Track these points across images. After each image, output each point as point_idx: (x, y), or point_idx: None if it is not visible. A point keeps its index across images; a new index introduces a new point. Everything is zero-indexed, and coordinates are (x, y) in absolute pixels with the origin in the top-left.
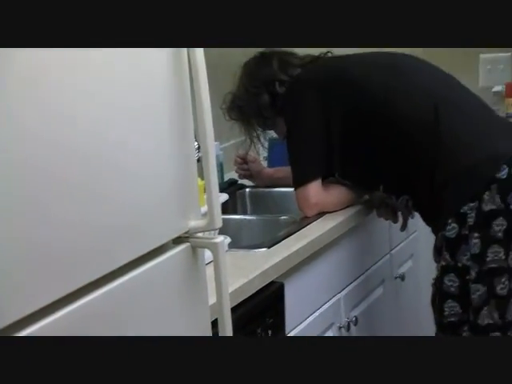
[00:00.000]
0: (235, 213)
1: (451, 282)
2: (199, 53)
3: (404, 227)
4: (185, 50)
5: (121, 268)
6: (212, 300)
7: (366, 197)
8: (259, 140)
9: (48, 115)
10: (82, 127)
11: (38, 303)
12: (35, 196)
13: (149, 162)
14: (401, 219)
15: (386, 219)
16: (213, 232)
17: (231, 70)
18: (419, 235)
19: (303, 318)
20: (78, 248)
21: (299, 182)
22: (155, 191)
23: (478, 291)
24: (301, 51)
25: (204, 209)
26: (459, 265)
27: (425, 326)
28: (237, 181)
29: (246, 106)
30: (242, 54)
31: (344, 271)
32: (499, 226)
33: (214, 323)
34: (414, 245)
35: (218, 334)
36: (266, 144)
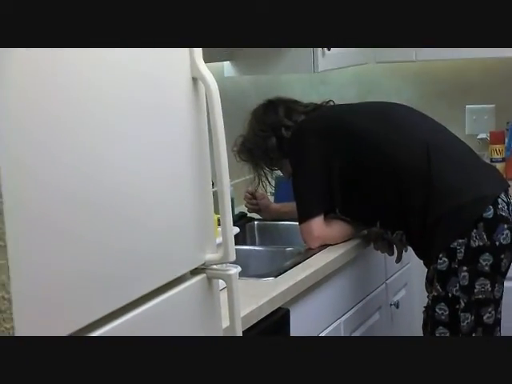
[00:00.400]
0: (244, 243)
1: (442, 311)
2: (214, 89)
3: (399, 259)
4: (202, 86)
5: (142, 297)
6: (225, 323)
7: (365, 232)
8: (266, 178)
9: (81, 150)
10: (111, 162)
11: (61, 332)
12: (65, 228)
13: (169, 198)
14: (396, 252)
15: (383, 252)
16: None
17: (242, 116)
18: (412, 266)
19: None
20: (100, 279)
21: (303, 217)
22: (176, 226)
23: (466, 319)
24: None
25: (218, 239)
26: (449, 295)
27: None
28: (246, 214)
29: (254, 148)
30: (252, 102)
31: (344, 298)
32: (486, 260)
33: None
34: (407, 275)
35: None
36: (273, 182)
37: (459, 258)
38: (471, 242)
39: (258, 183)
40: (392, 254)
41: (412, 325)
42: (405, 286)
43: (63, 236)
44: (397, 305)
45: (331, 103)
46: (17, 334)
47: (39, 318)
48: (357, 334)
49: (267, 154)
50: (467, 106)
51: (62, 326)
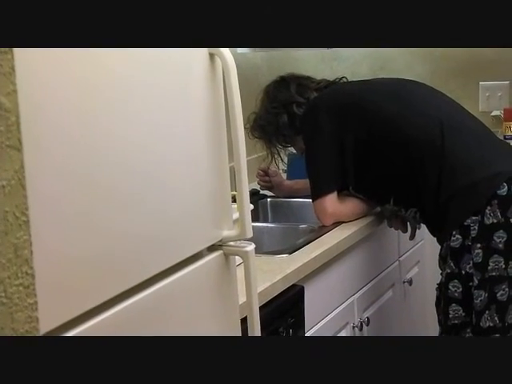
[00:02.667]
0: (257, 220)
1: (455, 288)
2: (232, 68)
3: (412, 236)
4: (220, 64)
5: (161, 273)
6: (241, 300)
7: (378, 209)
8: (279, 155)
9: (99, 131)
10: (128, 141)
11: (83, 306)
12: (86, 206)
13: (187, 175)
14: (409, 229)
15: (396, 229)
16: None
17: (255, 92)
18: (425, 243)
19: (321, 318)
20: (121, 255)
21: (317, 194)
22: (194, 203)
23: (480, 297)
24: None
25: (235, 215)
26: (463, 272)
27: (430, 325)
28: (259, 191)
29: (267, 125)
30: (265, 79)
31: (358, 276)
32: (500, 238)
33: (243, 321)
34: (420, 252)
35: (246, 330)
36: (286, 159)
37: (473, 236)
38: (485, 219)
39: (271, 160)
40: (406, 231)
41: (425, 302)
42: (418, 263)
43: (83, 212)
44: (410, 282)
45: (344, 80)
46: (40, 309)
47: (62, 292)
48: (370, 311)
49: (279, 131)
50: (481, 83)
51: (83, 300)
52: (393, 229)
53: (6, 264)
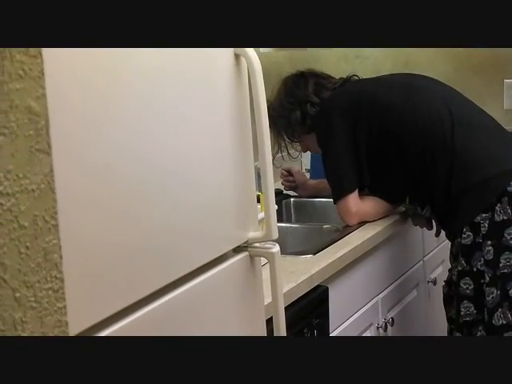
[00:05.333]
0: (281, 221)
1: (466, 285)
2: (257, 66)
3: (438, 233)
4: (244, 62)
5: (189, 274)
6: (267, 300)
7: (402, 208)
8: (286, 148)
9: (128, 133)
10: (155, 140)
11: (111, 309)
12: (115, 209)
13: (213, 175)
14: (435, 226)
15: (421, 227)
16: None
17: (271, 80)
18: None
19: (345, 319)
20: (148, 258)
21: (339, 195)
22: (219, 204)
23: (492, 294)
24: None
25: (260, 215)
26: (474, 269)
27: None
28: (282, 191)
29: (278, 117)
30: (289, 64)
31: (382, 276)
32: (510, 234)
33: (268, 321)
34: (445, 252)
35: (272, 330)
36: (294, 154)
37: (483, 233)
38: (495, 216)
39: (277, 151)
40: (431, 228)
41: None
42: (442, 262)
43: (111, 215)
44: (434, 282)
45: (355, 78)
46: (69, 313)
47: (90, 295)
48: (394, 311)
49: (290, 126)
50: (506, 81)
51: (110, 303)
52: (417, 228)
53: (35, 268)
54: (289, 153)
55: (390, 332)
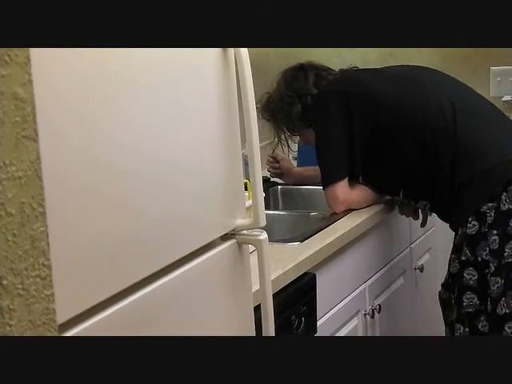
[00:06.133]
0: (268, 208)
1: (470, 276)
2: (245, 56)
3: (424, 223)
4: (232, 53)
5: (176, 262)
6: (255, 287)
7: (388, 197)
8: (286, 141)
9: (114, 120)
10: (142, 128)
11: (99, 297)
12: (102, 196)
13: (200, 163)
14: (421, 216)
15: (408, 216)
16: None
17: (267, 71)
18: (436, 230)
19: (332, 306)
20: (134, 246)
21: (328, 181)
22: (207, 192)
23: (497, 283)
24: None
25: (248, 203)
26: (479, 259)
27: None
28: (269, 178)
29: (278, 111)
30: (277, 55)
31: (369, 263)
32: None
33: (256, 308)
34: (431, 239)
35: (260, 317)
36: (293, 145)
37: (489, 222)
38: (501, 205)
39: (277, 144)
40: (417, 218)
41: (436, 288)
42: (429, 250)
43: (98, 202)
44: (421, 269)
45: (355, 68)
46: (56, 300)
47: (78, 283)
48: (381, 298)
49: (290, 120)
50: (492, 68)
51: (98, 291)
52: (404, 216)
53: (22, 256)
54: (289, 146)
55: (378, 319)
